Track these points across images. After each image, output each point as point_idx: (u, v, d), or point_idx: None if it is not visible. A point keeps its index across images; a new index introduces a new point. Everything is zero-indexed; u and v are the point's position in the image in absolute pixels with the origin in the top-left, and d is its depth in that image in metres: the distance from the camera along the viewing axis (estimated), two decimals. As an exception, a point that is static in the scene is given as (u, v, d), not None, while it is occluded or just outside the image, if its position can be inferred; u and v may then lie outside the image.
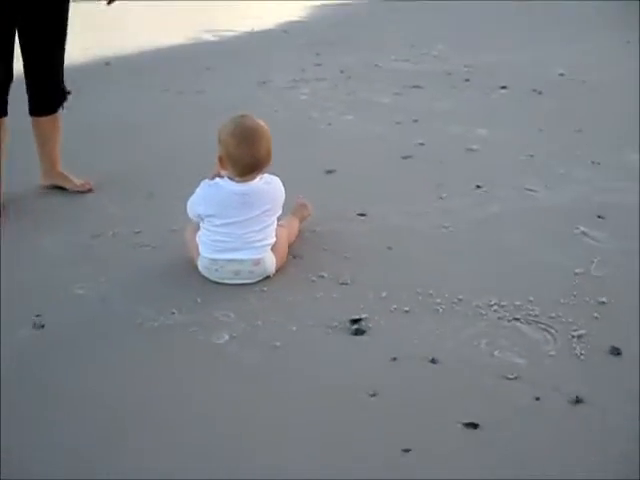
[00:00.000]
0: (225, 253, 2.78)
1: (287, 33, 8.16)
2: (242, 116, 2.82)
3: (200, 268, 2.85)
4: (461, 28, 8.39)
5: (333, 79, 6.02)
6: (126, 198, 3.66)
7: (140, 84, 5.92)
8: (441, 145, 4.47)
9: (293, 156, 3.90)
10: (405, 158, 4.25)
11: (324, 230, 3.25)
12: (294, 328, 2.54)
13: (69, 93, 3.64)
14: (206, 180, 2.86)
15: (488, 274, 2.90)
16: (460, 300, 2.68)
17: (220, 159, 2.77)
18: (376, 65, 6.62)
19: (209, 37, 7.89)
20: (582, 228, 3.28)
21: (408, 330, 2.52)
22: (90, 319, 2.64)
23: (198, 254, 2.84)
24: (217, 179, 2.83)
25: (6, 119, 3.43)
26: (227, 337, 2.48)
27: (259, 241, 2.80)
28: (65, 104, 3.63)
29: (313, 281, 2.85)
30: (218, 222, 2.77)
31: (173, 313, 2.63)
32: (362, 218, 3.42)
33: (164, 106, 5.29)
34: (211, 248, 2.80)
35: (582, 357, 2.36)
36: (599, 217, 3.40)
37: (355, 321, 2.55)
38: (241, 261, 2.78)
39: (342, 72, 6.22)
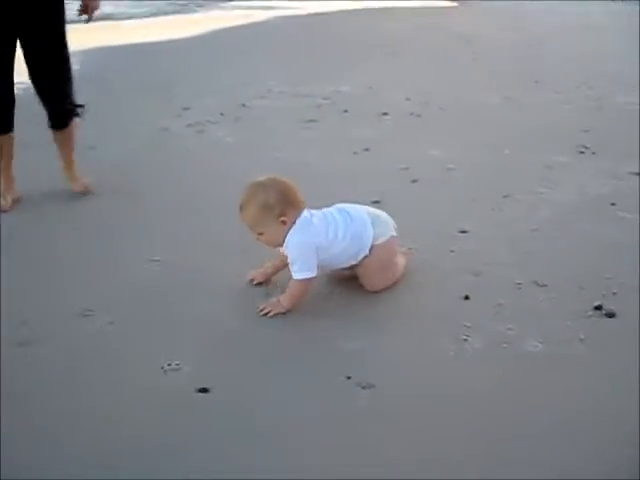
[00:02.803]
0: None
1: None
2: (259, 179, 2.75)
3: None
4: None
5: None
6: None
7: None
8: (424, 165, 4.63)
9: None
10: (414, 182, 4.32)
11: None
12: None
13: (81, 106, 3.83)
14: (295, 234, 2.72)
15: None
16: None
17: (281, 217, 2.67)
18: (243, 105, 6.46)
19: None
20: None
21: None
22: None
23: None
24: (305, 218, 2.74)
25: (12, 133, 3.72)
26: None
27: None
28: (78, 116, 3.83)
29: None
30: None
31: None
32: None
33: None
34: None
35: None
36: None
37: None
38: None
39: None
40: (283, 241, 2.71)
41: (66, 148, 3.92)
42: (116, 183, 4.22)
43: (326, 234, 2.73)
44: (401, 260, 3.02)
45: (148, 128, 5.60)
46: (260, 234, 2.73)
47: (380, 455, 1.92)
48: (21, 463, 1.88)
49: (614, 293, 2.86)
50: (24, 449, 1.93)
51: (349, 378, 2.26)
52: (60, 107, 3.74)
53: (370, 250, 2.82)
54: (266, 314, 2.66)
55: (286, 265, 2.78)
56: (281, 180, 2.74)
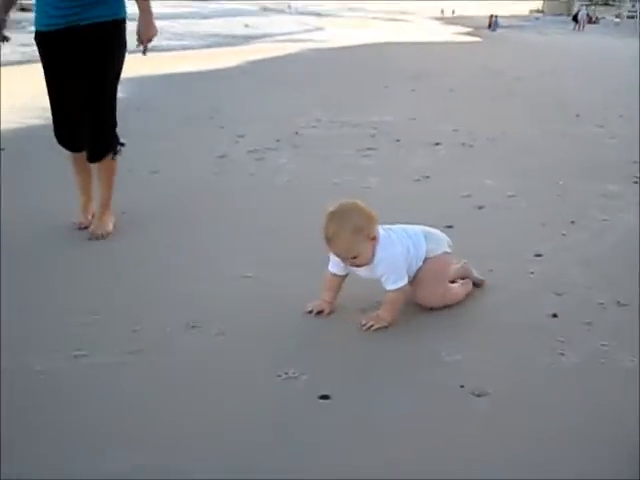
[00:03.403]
0: None
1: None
2: (335, 209, 2.80)
3: None
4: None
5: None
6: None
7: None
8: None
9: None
10: (480, 208, 4.45)
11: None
12: None
13: (121, 144, 3.82)
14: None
15: None
16: None
17: (370, 235, 2.77)
18: (296, 133, 6.66)
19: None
20: None
21: None
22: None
23: None
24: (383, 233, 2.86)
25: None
26: None
27: None
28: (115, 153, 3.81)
29: None
30: None
31: None
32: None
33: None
34: None
35: None
36: None
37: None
38: None
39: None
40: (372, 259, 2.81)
41: (101, 183, 3.88)
42: (188, 205, 4.38)
43: (403, 247, 2.87)
44: (461, 288, 3.11)
45: (207, 154, 5.78)
46: (354, 257, 2.79)
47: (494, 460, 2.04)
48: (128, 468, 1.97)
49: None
50: (139, 456, 2.02)
51: (462, 387, 2.37)
52: (94, 141, 3.75)
53: (424, 262, 2.93)
54: (369, 328, 2.76)
55: (339, 291, 2.92)
56: (355, 202, 2.83)
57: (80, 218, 3.99)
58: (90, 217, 3.98)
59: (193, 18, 31.29)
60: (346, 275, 2.94)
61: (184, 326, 2.80)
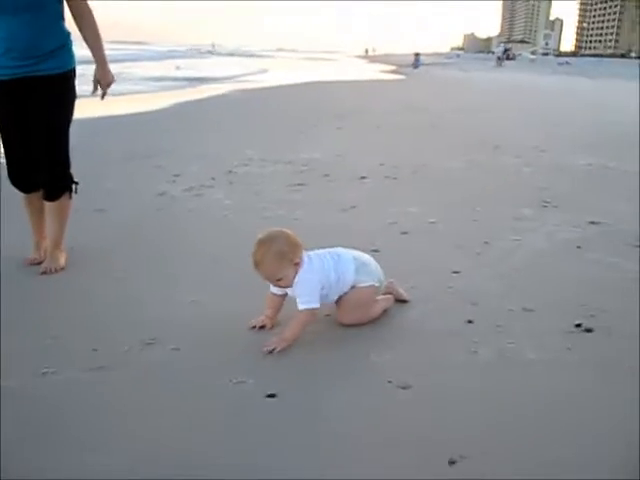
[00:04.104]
0: None
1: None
2: (263, 236, 3.13)
3: None
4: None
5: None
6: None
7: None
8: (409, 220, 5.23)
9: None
10: (403, 233, 4.88)
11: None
12: None
13: (75, 183, 4.09)
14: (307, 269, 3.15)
15: None
16: None
17: (294, 260, 3.10)
18: (230, 171, 6.98)
19: None
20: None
21: None
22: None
23: None
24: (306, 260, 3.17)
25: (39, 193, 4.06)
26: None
27: None
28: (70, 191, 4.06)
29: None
30: None
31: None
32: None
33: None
34: None
35: None
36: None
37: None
38: None
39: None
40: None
41: (54, 221, 4.10)
42: (134, 239, 4.67)
43: (323, 273, 3.18)
44: (379, 305, 3.43)
45: (148, 193, 6.06)
46: (279, 280, 3.12)
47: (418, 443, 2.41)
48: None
49: (591, 315, 3.42)
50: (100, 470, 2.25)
51: (390, 382, 2.75)
52: (52, 181, 3.99)
53: (351, 288, 3.28)
54: (271, 351, 3.00)
55: (280, 308, 3.26)
56: (281, 230, 3.16)
57: (34, 254, 4.21)
58: (42, 253, 4.21)
59: (124, 61, 31.47)
60: (285, 295, 3.28)
61: (140, 343, 3.08)
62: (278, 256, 3.05)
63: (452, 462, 2.24)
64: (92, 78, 3.99)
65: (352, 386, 2.75)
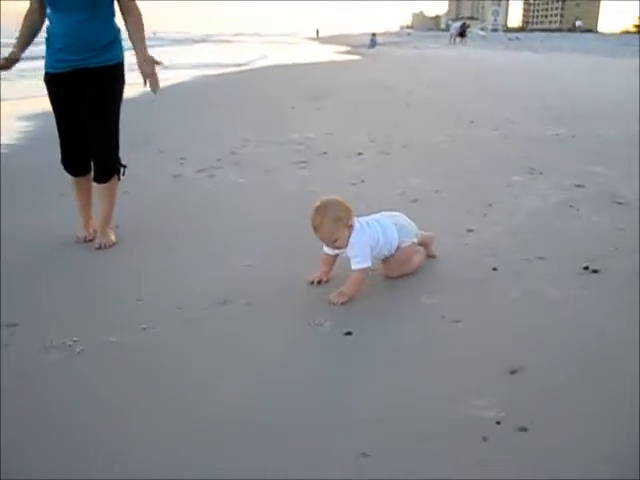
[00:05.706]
0: None
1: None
2: (319, 203, 3.56)
3: None
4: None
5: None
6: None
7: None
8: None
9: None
10: (414, 201, 5.41)
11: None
12: None
13: (124, 166, 4.51)
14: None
15: None
16: None
17: (348, 224, 3.55)
18: (233, 152, 7.44)
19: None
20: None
21: None
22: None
23: None
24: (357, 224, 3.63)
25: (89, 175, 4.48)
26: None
27: None
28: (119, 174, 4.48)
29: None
30: None
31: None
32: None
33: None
34: None
35: None
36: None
37: None
38: None
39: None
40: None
41: (104, 201, 4.52)
42: (167, 217, 5.08)
43: (372, 237, 3.68)
44: (417, 259, 3.95)
45: (162, 175, 6.42)
46: (335, 241, 3.59)
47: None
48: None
49: (593, 260, 4.02)
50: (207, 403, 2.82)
51: (443, 317, 3.30)
52: (104, 165, 4.40)
53: (395, 250, 3.80)
54: (335, 303, 3.46)
55: (332, 266, 3.74)
56: (334, 197, 3.63)
57: (83, 233, 4.60)
58: (92, 231, 4.62)
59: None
60: (337, 255, 3.75)
61: (215, 302, 3.53)
62: (334, 220, 3.50)
63: (513, 372, 2.77)
64: (139, 71, 4.28)
65: (413, 322, 3.28)
